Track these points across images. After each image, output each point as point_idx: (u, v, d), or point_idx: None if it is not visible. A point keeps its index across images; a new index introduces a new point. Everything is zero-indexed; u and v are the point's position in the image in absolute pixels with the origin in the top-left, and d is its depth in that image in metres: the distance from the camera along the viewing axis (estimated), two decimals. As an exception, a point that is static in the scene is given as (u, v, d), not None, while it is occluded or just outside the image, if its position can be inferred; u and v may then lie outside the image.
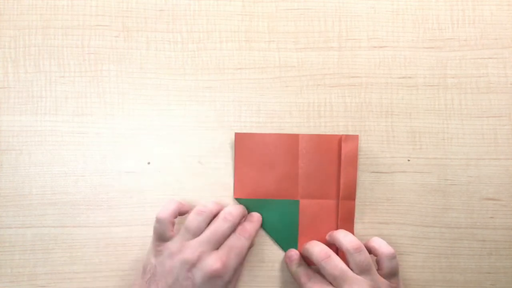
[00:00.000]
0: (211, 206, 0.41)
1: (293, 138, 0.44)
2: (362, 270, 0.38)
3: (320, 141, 0.44)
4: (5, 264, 0.44)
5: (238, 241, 0.39)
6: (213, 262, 0.37)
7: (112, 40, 0.45)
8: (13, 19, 0.45)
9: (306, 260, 0.43)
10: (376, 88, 0.45)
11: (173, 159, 0.44)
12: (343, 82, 0.45)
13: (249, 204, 0.43)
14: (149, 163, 0.44)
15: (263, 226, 0.44)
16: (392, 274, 0.40)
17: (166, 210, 0.40)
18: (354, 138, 0.43)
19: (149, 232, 0.44)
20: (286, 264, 0.43)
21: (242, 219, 0.42)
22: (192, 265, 0.37)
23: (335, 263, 0.39)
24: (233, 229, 0.40)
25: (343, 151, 0.43)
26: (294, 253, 0.43)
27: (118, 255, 0.44)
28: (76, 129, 0.45)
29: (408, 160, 0.45)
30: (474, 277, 0.44)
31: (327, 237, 0.43)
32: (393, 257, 0.40)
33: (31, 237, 0.44)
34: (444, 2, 0.46)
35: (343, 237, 0.40)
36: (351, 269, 0.39)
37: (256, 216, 0.43)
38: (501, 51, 0.45)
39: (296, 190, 0.44)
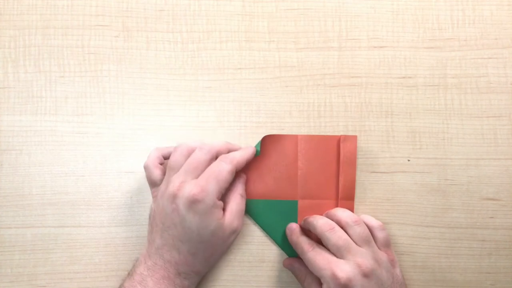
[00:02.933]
0: (189, 142, 0.41)
1: (292, 139, 0.44)
2: (364, 242, 0.39)
3: (319, 141, 0.44)
4: (5, 264, 0.44)
5: (216, 166, 0.39)
6: (191, 188, 0.38)
7: (112, 40, 0.45)
8: (13, 19, 0.45)
9: (307, 233, 0.43)
10: (376, 88, 0.45)
11: (173, 159, 0.44)
12: (343, 82, 0.45)
13: (248, 205, 0.43)
14: (149, 163, 0.44)
15: (263, 226, 0.44)
16: (385, 245, 0.41)
17: (149, 157, 0.41)
18: (352, 139, 0.43)
19: (149, 232, 0.44)
20: (287, 235, 0.43)
21: (224, 152, 0.41)
22: (174, 196, 0.38)
23: (339, 234, 0.39)
24: (210, 157, 0.39)
25: (342, 152, 0.43)
26: (295, 225, 0.43)
27: (118, 255, 0.44)
28: (76, 129, 0.45)
29: (408, 160, 0.45)
30: (474, 277, 0.44)
31: (324, 216, 0.43)
32: (382, 228, 0.42)
33: (31, 237, 0.44)
34: (444, 2, 0.46)
35: (341, 212, 0.41)
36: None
37: (249, 147, 0.42)
38: (501, 51, 0.45)
39: (295, 191, 0.44)
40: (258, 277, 0.44)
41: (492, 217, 0.44)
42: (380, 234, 0.41)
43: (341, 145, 0.43)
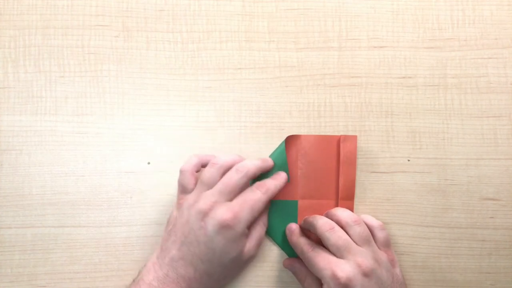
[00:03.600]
0: (224, 158, 0.41)
1: (293, 139, 0.44)
2: (364, 241, 0.39)
3: (319, 141, 0.44)
4: (5, 264, 0.44)
5: (252, 194, 0.39)
6: (223, 212, 0.38)
7: (112, 40, 0.45)
8: (13, 19, 0.45)
9: (306, 233, 0.43)
10: (376, 88, 0.45)
11: (173, 159, 0.44)
12: (343, 82, 0.45)
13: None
14: (149, 163, 0.44)
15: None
16: (385, 245, 0.41)
17: (188, 163, 0.41)
18: (352, 139, 0.43)
19: (149, 232, 0.44)
20: (287, 235, 0.43)
21: (259, 173, 0.41)
22: (205, 214, 0.38)
23: (339, 234, 0.39)
24: (246, 181, 0.40)
25: (341, 152, 0.43)
26: (295, 226, 0.43)
27: (118, 255, 0.44)
28: (76, 129, 0.45)
29: (408, 160, 0.45)
30: (474, 277, 0.44)
31: (324, 216, 0.42)
32: (382, 228, 0.42)
33: (31, 237, 0.44)
34: (444, 2, 0.46)
35: (341, 212, 0.41)
36: None
37: (281, 174, 0.42)
38: (501, 51, 0.45)
39: (295, 191, 0.44)
40: (258, 277, 0.44)
41: (492, 217, 0.44)
42: (380, 234, 0.41)
43: (341, 145, 0.43)
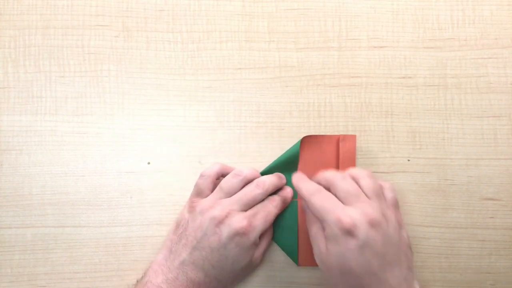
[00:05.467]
0: (248, 171, 0.41)
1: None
2: (374, 194, 0.37)
3: (318, 141, 0.44)
4: (5, 264, 0.44)
5: (266, 207, 0.40)
6: (240, 219, 0.38)
7: (112, 40, 0.45)
8: (13, 19, 0.45)
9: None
10: (376, 88, 0.45)
11: (173, 159, 0.44)
12: (343, 82, 0.45)
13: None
14: (149, 163, 0.44)
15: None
16: (394, 206, 0.39)
17: (211, 168, 0.42)
18: (351, 138, 0.43)
19: (149, 232, 0.44)
20: (292, 182, 0.40)
21: (275, 190, 0.42)
22: (220, 221, 0.38)
23: (349, 182, 0.37)
24: (263, 197, 0.41)
25: (341, 151, 0.43)
26: (303, 175, 0.41)
27: (118, 255, 0.44)
28: (76, 129, 0.45)
29: (408, 160, 0.45)
30: (474, 277, 0.44)
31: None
32: (392, 189, 0.40)
33: (31, 237, 0.44)
34: (444, 2, 0.46)
35: (353, 169, 0.40)
36: None
37: (287, 189, 0.43)
38: (501, 51, 0.45)
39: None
40: (258, 277, 0.44)
41: (492, 217, 0.44)
42: (390, 194, 0.39)
43: (340, 144, 0.43)
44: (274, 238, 0.44)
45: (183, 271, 0.38)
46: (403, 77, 0.45)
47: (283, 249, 0.44)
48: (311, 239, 0.39)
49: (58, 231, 0.44)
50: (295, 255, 0.43)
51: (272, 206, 0.41)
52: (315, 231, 0.38)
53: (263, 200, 0.41)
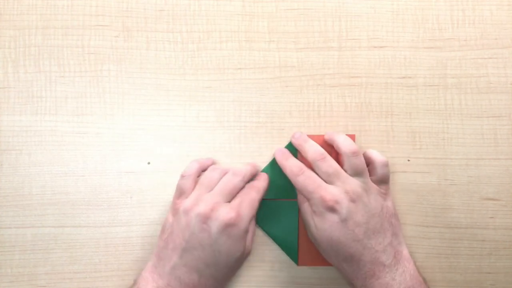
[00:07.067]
0: (224, 166, 0.43)
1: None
2: (356, 173, 0.40)
3: (317, 141, 0.44)
4: (5, 264, 0.44)
5: (249, 194, 0.41)
6: (227, 211, 0.38)
7: (112, 40, 0.45)
8: (13, 19, 0.45)
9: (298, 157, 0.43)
10: (376, 88, 0.45)
11: (173, 159, 0.45)
12: (343, 82, 0.45)
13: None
14: (149, 163, 0.44)
15: (262, 226, 0.44)
16: (383, 181, 0.41)
17: (190, 167, 0.42)
18: (351, 138, 0.43)
19: (149, 232, 0.44)
20: (276, 158, 0.43)
21: (251, 177, 0.43)
22: (206, 217, 0.38)
23: (330, 163, 0.40)
24: (243, 185, 0.41)
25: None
26: (284, 149, 0.43)
27: (118, 255, 0.44)
28: (76, 129, 0.45)
29: (408, 160, 0.45)
30: (474, 277, 0.44)
31: (325, 136, 0.43)
32: (386, 164, 0.42)
33: (31, 237, 0.44)
34: (444, 2, 0.46)
35: (343, 141, 0.41)
36: (345, 171, 0.40)
37: (263, 175, 0.43)
38: (501, 51, 0.45)
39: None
40: (258, 277, 0.44)
41: (492, 217, 0.44)
42: (380, 170, 0.41)
43: (341, 145, 0.43)
44: (274, 238, 0.44)
45: (175, 276, 0.38)
46: (403, 77, 0.45)
47: (283, 249, 0.44)
48: (302, 217, 0.42)
49: (58, 231, 0.44)
50: (295, 255, 0.43)
51: (254, 192, 0.41)
52: (304, 209, 0.41)
53: (243, 188, 0.41)
